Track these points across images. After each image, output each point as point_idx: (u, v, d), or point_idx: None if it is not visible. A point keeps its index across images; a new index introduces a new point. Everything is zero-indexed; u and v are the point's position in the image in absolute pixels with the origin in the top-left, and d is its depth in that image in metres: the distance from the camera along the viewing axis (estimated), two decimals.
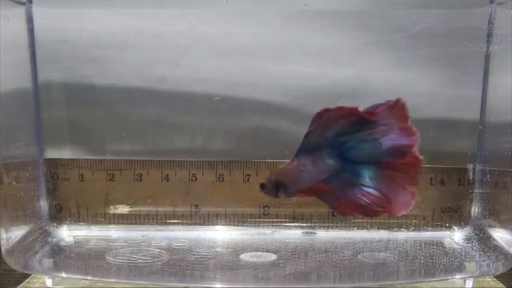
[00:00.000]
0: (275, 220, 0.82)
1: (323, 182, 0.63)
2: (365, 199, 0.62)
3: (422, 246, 0.79)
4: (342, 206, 0.63)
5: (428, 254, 0.76)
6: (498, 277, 0.75)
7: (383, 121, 0.60)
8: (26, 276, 0.75)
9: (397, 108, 0.60)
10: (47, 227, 0.81)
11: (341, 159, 0.63)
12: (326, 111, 0.60)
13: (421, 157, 0.60)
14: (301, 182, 0.63)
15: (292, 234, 0.82)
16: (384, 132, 0.61)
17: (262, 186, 0.65)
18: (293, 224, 0.82)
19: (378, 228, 0.81)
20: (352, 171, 0.63)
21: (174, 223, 0.82)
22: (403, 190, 0.61)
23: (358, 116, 0.60)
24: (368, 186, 0.62)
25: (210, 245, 0.79)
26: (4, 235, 0.73)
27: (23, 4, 0.76)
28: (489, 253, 0.75)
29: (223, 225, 0.82)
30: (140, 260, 0.73)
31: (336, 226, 0.82)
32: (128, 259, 0.74)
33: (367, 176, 0.62)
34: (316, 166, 0.63)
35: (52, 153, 0.81)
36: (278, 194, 0.64)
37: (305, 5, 0.76)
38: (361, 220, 0.81)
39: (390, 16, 0.79)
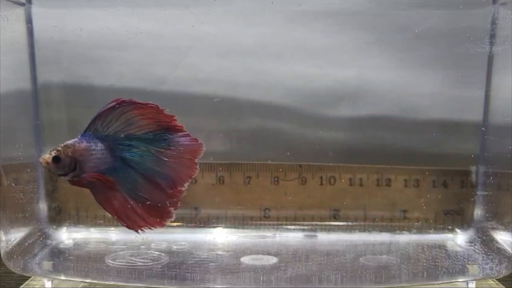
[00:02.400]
0: (276, 222, 0.81)
1: (103, 174, 0.62)
2: (127, 204, 0.63)
3: (425, 249, 0.78)
4: (104, 204, 0.63)
5: (430, 257, 0.76)
6: (501, 280, 0.74)
7: (177, 148, 0.62)
8: (25, 278, 0.75)
9: (196, 147, 0.63)
10: (46, 230, 0.80)
11: (120, 158, 0.63)
12: (122, 102, 0.60)
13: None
14: (90, 166, 0.61)
15: (293, 236, 0.81)
16: (172, 157, 0.62)
17: (57, 159, 0.59)
18: (294, 227, 0.81)
19: (380, 231, 0.81)
20: (126, 174, 0.63)
21: (174, 226, 0.81)
22: (163, 208, 0.64)
23: (158, 124, 0.62)
24: (135, 192, 0.63)
25: (210, 248, 0.78)
26: (3, 238, 0.72)
27: (22, 4, 0.76)
28: (492, 255, 0.75)
29: (223, 227, 0.81)
30: (139, 263, 0.73)
31: (338, 229, 0.81)
32: (128, 262, 0.73)
33: (136, 184, 0.63)
34: (102, 155, 0.62)
35: None
36: (72, 173, 0.61)
37: (299, 5, 0.75)
38: (363, 223, 0.81)
39: (392, 16, 0.78)
